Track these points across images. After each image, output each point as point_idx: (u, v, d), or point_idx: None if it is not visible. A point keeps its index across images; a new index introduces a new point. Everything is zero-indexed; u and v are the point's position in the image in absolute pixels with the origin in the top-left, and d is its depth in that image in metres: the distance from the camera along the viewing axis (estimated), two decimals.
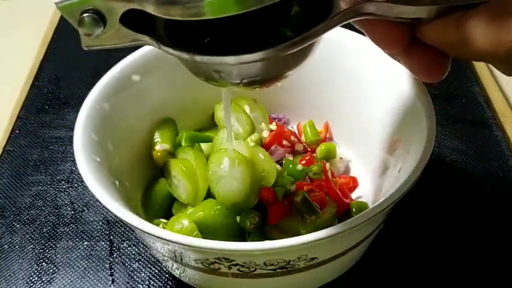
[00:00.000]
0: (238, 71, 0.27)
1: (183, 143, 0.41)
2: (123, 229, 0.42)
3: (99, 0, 0.24)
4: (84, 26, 0.24)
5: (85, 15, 0.24)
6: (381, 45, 0.28)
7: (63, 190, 0.46)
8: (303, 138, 0.44)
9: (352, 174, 0.43)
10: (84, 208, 0.44)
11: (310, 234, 0.29)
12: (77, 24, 0.25)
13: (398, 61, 0.30)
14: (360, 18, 0.26)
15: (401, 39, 0.27)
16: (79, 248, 0.41)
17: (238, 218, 0.36)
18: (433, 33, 0.26)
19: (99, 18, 0.24)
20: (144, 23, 0.25)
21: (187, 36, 0.26)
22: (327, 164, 0.40)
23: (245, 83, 0.27)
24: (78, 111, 0.36)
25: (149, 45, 0.26)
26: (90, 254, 0.41)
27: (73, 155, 0.34)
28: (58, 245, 0.42)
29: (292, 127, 0.45)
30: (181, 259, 0.33)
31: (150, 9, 0.23)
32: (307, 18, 0.27)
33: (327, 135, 0.44)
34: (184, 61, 0.27)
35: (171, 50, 0.26)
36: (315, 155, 0.42)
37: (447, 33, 0.25)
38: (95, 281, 0.39)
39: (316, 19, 0.26)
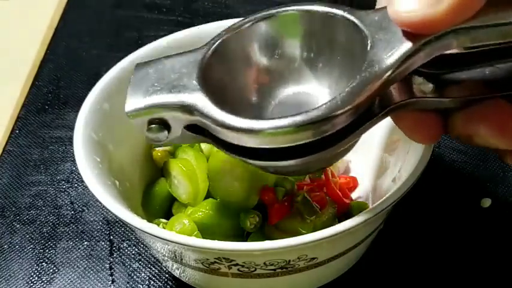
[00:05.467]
0: (280, 170, 0.31)
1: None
2: (123, 229, 0.42)
3: (166, 112, 0.28)
4: (151, 132, 0.28)
5: (152, 125, 0.28)
6: (415, 137, 0.29)
7: (63, 190, 0.46)
8: None
9: (352, 174, 0.43)
10: (84, 208, 0.44)
11: (310, 234, 0.29)
12: (146, 130, 0.28)
13: None
14: (400, 111, 0.27)
15: (436, 131, 0.28)
16: (79, 248, 0.41)
17: (238, 218, 0.36)
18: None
19: (165, 126, 0.28)
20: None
21: None
22: None
23: (286, 175, 0.33)
24: (78, 111, 0.36)
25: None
26: (90, 254, 0.41)
27: (73, 155, 0.34)
28: (58, 245, 0.42)
29: None
30: (181, 259, 0.33)
31: (211, 129, 0.27)
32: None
33: None
34: None
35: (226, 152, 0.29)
36: None
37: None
38: (95, 281, 0.39)
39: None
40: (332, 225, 0.29)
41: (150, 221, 0.33)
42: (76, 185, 0.46)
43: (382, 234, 0.37)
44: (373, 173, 0.41)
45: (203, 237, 0.33)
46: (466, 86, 0.27)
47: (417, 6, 0.23)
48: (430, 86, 0.28)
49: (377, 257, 0.39)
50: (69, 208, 0.44)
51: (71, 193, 0.45)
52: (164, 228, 0.33)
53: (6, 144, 0.49)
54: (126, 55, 0.39)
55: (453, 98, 0.27)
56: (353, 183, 0.42)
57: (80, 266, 0.40)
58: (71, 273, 0.40)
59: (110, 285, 0.39)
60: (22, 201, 0.45)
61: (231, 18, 0.41)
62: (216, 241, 0.29)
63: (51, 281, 0.40)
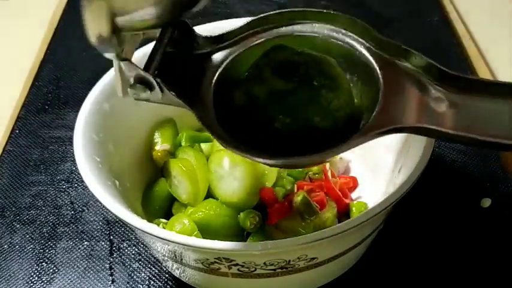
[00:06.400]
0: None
1: (183, 143, 0.41)
2: (123, 229, 0.42)
3: (140, 73, 0.29)
4: (134, 90, 0.29)
5: (136, 84, 0.29)
6: None
7: (63, 190, 0.46)
8: None
9: (352, 174, 0.43)
10: (84, 208, 0.44)
11: (310, 234, 0.29)
12: (128, 87, 0.30)
13: None
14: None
15: None
16: (79, 248, 0.41)
17: (238, 218, 0.36)
18: None
19: (146, 85, 0.29)
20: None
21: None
22: (327, 164, 0.40)
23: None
24: (78, 111, 0.36)
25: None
26: (90, 254, 0.41)
27: (73, 155, 0.34)
28: (58, 245, 0.42)
29: None
30: (181, 259, 0.33)
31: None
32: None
33: None
34: None
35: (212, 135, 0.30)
36: None
37: None
38: (95, 281, 0.39)
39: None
40: (332, 225, 0.29)
41: (150, 221, 0.33)
42: (76, 185, 0.46)
43: (382, 234, 0.37)
44: (373, 173, 0.41)
45: (203, 237, 0.33)
46: (481, 122, 0.26)
47: None
48: (444, 105, 0.27)
49: (377, 257, 0.39)
50: (69, 208, 0.44)
51: (71, 193, 0.45)
52: (164, 228, 0.33)
53: (6, 144, 0.50)
54: None
55: (463, 135, 0.26)
56: (353, 183, 0.42)
57: (80, 266, 0.40)
58: (71, 273, 0.40)
59: (110, 285, 0.39)
60: (22, 201, 0.45)
61: (231, 18, 0.41)
62: (216, 241, 0.29)
63: (51, 281, 0.40)
